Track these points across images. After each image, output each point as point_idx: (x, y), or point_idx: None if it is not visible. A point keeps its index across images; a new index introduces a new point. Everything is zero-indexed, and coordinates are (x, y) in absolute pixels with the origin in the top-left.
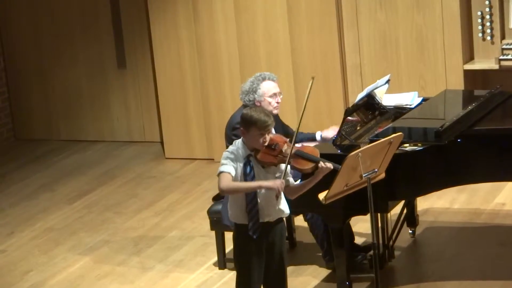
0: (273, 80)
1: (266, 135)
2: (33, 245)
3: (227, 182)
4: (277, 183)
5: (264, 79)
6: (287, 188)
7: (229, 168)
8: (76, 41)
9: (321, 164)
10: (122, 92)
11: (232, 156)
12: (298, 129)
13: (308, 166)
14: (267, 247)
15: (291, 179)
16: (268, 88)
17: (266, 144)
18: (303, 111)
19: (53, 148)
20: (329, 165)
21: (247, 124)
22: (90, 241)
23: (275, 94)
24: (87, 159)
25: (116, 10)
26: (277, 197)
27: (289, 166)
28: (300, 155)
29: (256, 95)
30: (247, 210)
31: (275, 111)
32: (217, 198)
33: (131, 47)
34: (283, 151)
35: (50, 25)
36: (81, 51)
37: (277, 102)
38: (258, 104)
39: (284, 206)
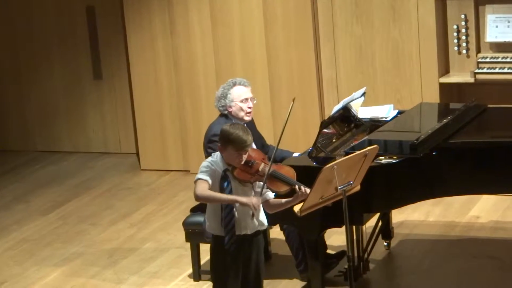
0: (244, 85)
1: (243, 154)
2: (7, 256)
3: (202, 190)
4: (253, 201)
5: (234, 84)
6: (266, 203)
7: (207, 177)
8: (52, 51)
9: (298, 189)
10: (98, 104)
11: (211, 166)
12: (276, 148)
13: (283, 188)
14: (244, 260)
15: (270, 194)
16: (238, 93)
17: (242, 162)
18: (282, 133)
19: (28, 159)
20: (308, 190)
21: (224, 142)
22: (64, 252)
23: (246, 99)
24: (62, 170)
25: (93, 22)
26: (253, 215)
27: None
28: (275, 177)
29: (227, 100)
30: (223, 223)
31: (246, 117)
32: (195, 210)
33: (107, 58)
34: (260, 170)
35: (26, 36)
36: (57, 62)
37: (249, 107)
38: (230, 109)
39: (262, 219)
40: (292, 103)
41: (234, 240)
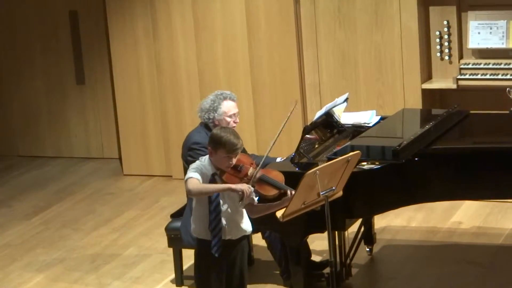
0: (233, 100)
1: (233, 158)
2: None
3: (195, 184)
4: (244, 187)
5: (225, 98)
6: (250, 206)
7: (197, 176)
8: (35, 56)
9: (289, 192)
10: (81, 108)
11: (200, 169)
12: (268, 152)
13: (271, 192)
14: (228, 265)
15: (254, 198)
16: (228, 107)
17: (232, 166)
18: (278, 136)
19: (11, 164)
20: None
21: (215, 145)
22: (46, 257)
23: (234, 114)
24: (45, 175)
25: (76, 26)
26: (241, 198)
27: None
28: (265, 181)
29: (216, 114)
30: (210, 227)
31: None
32: (175, 215)
33: (90, 63)
34: (248, 174)
35: (9, 41)
36: (40, 67)
37: (235, 122)
38: (217, 123)
39: (247, 224)
40: (294, 106)
41: (220, 244)
